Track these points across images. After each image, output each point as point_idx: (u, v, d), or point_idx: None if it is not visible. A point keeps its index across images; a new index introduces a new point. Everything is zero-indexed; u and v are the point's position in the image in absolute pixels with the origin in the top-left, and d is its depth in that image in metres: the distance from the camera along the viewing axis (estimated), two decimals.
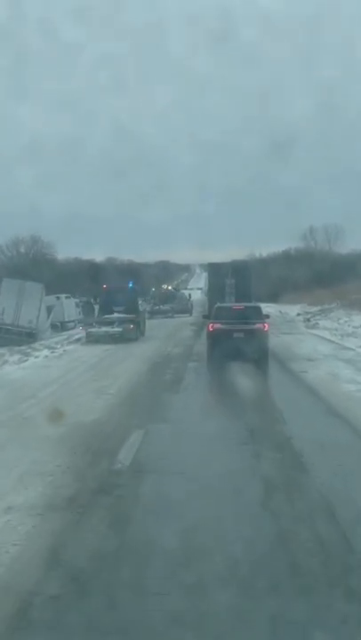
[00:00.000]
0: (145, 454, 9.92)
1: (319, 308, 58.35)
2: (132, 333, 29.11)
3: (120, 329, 28.94)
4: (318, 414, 13.14)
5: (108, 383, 17.23)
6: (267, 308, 33.48)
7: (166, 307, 51.47)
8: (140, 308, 33.13)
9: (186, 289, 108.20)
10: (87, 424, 11.96)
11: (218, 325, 20.97)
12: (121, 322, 29.18)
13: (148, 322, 43.19)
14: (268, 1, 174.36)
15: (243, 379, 18.22)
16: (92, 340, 29.26)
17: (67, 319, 44.32)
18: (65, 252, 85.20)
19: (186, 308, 52.76)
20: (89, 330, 29.77)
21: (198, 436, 11.21)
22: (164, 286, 60.16)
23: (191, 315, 52.87)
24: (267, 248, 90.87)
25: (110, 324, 29.30)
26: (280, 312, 56.95)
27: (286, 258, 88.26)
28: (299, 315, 54.14)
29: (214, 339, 20.75)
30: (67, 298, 46.43)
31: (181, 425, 12.37)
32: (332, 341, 28.43)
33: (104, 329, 29.23)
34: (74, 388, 16.87)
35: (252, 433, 11.30)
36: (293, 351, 24.53)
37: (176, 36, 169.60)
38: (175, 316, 51.56)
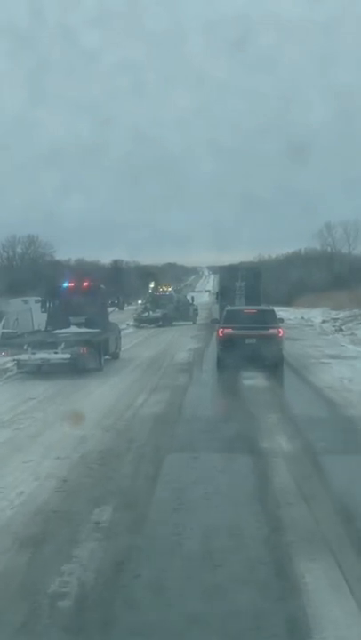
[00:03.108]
0: None
1: (348, 313, 46.76)
2: (88, 361, 16.93)
3: (68, 355, 16.77)
4: None
5: None
6: (281, 312, 26.96)
7: (157, 313, 39.14)
8: (110, 319, 20.90)
9: (193, 291, 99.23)
10: None
11: (228, 330, 18.02)
12: (70, 343, 16.94)
13: (135, 334, 31.30)
14: (285, 7, 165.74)
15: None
16: (26, 371, 17.26)
17: (38, 328, 32.09)
18: (71, 253, 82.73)
19: (187, 314, 40.42)
20: (18, 357, 17.44)
21: None
22: (164, 287, 47.56)
23: (195, 322, 40.56)
24: (277, 250, 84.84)
25: (52, 346, 17.09)
26: (302, 318, 45.11)
27: (299, 259, 79.29)
28: (324, 322, 42.15)
29: (224, 345, 17.82)
30: (38, 302, 34.21)
31: None
32: None
33: (41, 355, 17.04)
34: None
35: None
36: None
37: (195, 41, 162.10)
38: (175, 324, 39.34)
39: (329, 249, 76.67)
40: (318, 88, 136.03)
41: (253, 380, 15.43)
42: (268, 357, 17.01)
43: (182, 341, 27.19)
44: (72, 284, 20.17)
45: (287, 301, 63.13)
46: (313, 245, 77.79)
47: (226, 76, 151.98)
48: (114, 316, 41.90)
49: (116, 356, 20.61)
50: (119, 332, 21.49)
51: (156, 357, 21.03)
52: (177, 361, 19.93)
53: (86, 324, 19.32)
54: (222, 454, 8.66)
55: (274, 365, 17.05)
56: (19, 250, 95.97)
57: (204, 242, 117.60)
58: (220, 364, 17.54)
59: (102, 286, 20.73)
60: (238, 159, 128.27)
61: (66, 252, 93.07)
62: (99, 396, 13.55)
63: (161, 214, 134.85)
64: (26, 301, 33.21)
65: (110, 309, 21.04)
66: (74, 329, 19.20)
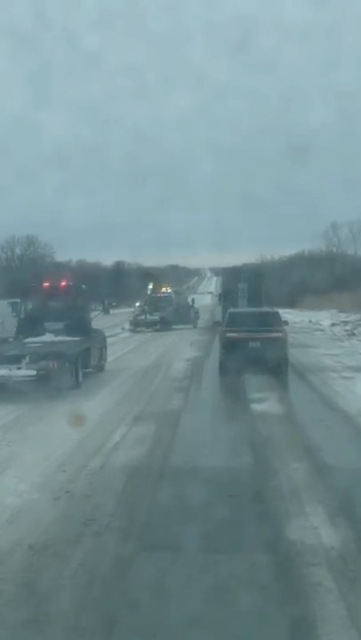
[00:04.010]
0: None
1: (358, 316, 43.66)
2: (60, 378, 13.46)
3: (33, 371, 13.31)
4: None
5: None
6: (286, 314, 24.77)
7: (154, 316, 35.64)
8: (94, 326, 17.34)
9: (196, 293, 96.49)
10: None
11: (231, 333, 16.67)
12: (37, 356, 13.45)
13: (129, 339, 28.06)
14: (286, 8, 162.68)
15: None
16: None
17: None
18: (72, 254, 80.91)
19: (187, 318, 36.93)
20: None
21: None
22: (165, 288, 43.95)
23: (195, 326, 37.10)
24: (280, 251, 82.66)
25: (15, 360, 13.59)
26: (310, 321, 41.66)
27: (303, 260, 76.46)
28: (334, 325, 38.76)
29: (227, 348, 16.50)
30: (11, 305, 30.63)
31: None
32: None
33: (0, 371, 13.53)
34: None
35: None
36: None
37: (196, 42, 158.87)
38: (174, 327, 35.90)
39: (335, 249, 73.33)
40: (319, 88, 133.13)
41: (265, 405, 11.99)
42: (272, 361, 15.84)
43: (180, 348, 23.76)
44: (47, 284, 16.70)
45: (290, 303, 60.33)
46: (318, 246, 74.57)
47: (227, 77, 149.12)
48: (109, 318, 38.35)
49: (100, 368, 17.19)
50: (104, 340, 18.04)
51: (148, 369, 17.58)
52: (172, 374, 16.50)
53: (64, 332, 15.92)
54: (227, 556, 5.22)
55: (278, 368, 15.92)
56: (17, 251, 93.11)
57: (206, 243, 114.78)
58: (223, 368, 16.31)
59: (84, 286, 17.26)
60: (241, 160, 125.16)
61: (67, 254, 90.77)
62: (62, 430, 10.09)
63: (163, 215, 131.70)
64: (12, 303, 29.81)
65: (95, 313, 17.56)
66: (49, 337, 15.80)
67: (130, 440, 9.28)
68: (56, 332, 15.97)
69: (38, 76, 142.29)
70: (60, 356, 13.74)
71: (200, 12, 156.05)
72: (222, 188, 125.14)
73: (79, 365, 14.63)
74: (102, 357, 17.49)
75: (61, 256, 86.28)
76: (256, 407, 11.76)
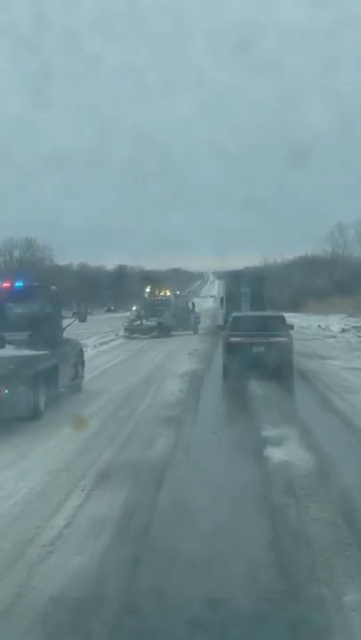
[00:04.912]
0: None
1: None
2: (10, 406, 9.97)
3: None
4: None
5: None
6: (291, 319, 21.49)
7: (151, 322, 32.07)
8: (69, 335, 13.75)
9: (198, 296, 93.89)
10: None
11: (235, 338, 15.89)
12: None
13: (121, 348, 24.95)
14: (287, 11, 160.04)
15: None
16: None
17: None
18: (74, 258, 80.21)
19: (187, 323, 33.37)
20: None
21: None
22: (164, 292, 40.30)
23: (196, 332, 33.56)
24: (284, 253, 79.15)
25: None
26: (319, 327, 38.20)
27: (307, 263, 73.63)
28: (344, 331, 35.23)
29: (231, 353, 15.75)
30: None
31: None
32: None
33: None
34: None
35: None
36: None
37: (196, 44, 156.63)
38: (173, 333, 32.38)
39: (341, 251, 69.87)
40: (321, 90, 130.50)
41: (286, 449, 8.40)
42: (277, 366, 15.13)
43: (177, 360, 20.21)
44: (7, 285, 13.13)
45: (294, 306, 57.29)
46: (323, 247, 71.20)
47: (228, 78, 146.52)
48: (104, 323, 34.85)
49: (75, 389, 13.66)
50: (80, 354, 14.48)
51: (135, 389, 14.01)
52: (162, 397, 12.91)
53: (28, 344, 12.39)
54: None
55: (282, 373, 15.16)
56: (16, 254, 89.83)
57: (209, 247, 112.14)
58: (226, 374, 15.53)
59: (54, 288, 13.69)
60: (243, 162, 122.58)
61: (67, 257, 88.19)
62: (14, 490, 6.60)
63: (165, 218, 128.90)
64: None
65: (68, 321, 13.97)
66: (9, 350, 12.27)
67: (77, 531, 5.68)
68: (18, 345, 12.43)
69: (38, 78, 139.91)
70: (12, 377, 10.22)
71: (201, 13, 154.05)
72: (225, 190, 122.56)
73: (40, 389, 11.09)
74: (78, 375, 13.94)
75: (62, 259, 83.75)
76: (275, 454, 8.18)
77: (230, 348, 15.83)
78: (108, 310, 76.41)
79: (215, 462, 8.12)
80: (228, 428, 10.26)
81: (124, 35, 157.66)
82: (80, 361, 14.28)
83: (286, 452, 8.26)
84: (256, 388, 14.07)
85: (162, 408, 11.63)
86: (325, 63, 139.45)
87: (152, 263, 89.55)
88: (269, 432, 9.53)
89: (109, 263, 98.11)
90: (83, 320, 14.54)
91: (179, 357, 21.03)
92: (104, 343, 28.63)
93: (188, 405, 12.02)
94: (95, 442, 9.10)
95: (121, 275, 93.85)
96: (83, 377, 14.29)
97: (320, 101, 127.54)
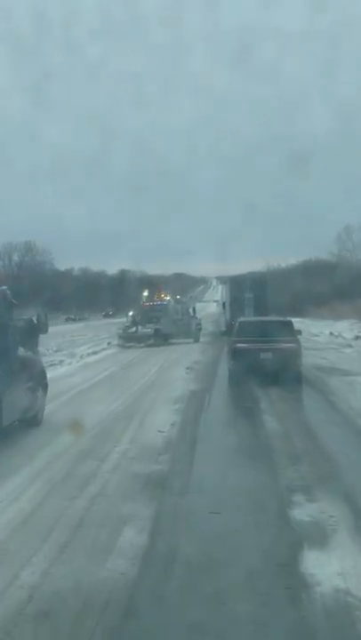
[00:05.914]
0: None
1: None
2: None
3: None
4: None
5: None
6: (298, 324, 20.74)
7: (147, 329, 28.48)
8: (26, 352, 10.14)
9: (201, 301, 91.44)
10: None
11: (241, 344, 15.36)
12: None
13: (110, 360, 21.66)
14: (287, 19, 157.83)
15: None
16: None
17: None
18: (75, 263, 78.36)
19: (187, 330, 29.76)
20: None
21: None
22: (164, 296, 36.64)
23: (197, 340, 29.94)
24: (288, 258, 77.30)
25: None
26: (331, 334, 34.68)
27: (310, 267, 70.79)
28: (358, 337, 31.77)
29: (236, 359, 15.27)
30: None
31: None
32: None
33: None
34: None
35: None
36: None
37: (197, 52, 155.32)
38: (172, 341, 28.82)
39: (349, 254, 66.48)
40: (320, 96, 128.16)
41: (341, 566, 4.82)
42: (284, 373, 14.52)
43: (171, 377, 16.57)
44: None
45: (298, 311, 54.12)
46: (331, 250, 68.01)
47: (228, 87, 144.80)
48: (101, 330, 31.85)
49: (33, 422, 10.05)
50: (42, 376, 10.81)
51: (111, 422, 10.37)
52: (145, 438, 9.23)
53: None
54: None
55: (291, 381, 14.36)
56: (15, 258, 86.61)
57: (212, 252, 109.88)
58: (232, 381, 15.09)
59: (4, 288, 10.04)
60: (246, 168, 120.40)
61: (69, 262, 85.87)
62: None
63: (167, 223, 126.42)
64: None
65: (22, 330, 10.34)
66: None
67: None
68: None
69: (39, 85, 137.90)
70: None
71: (201, 22, 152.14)
72: (227, 195, 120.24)
73: None
74: (36, 404, 10.29)
75: (63, 264, 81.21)
76: (323, 576, 4.55)
77: (236, 354, 15.28)
78: (107, 315, 73.21)
79: (214, 558, 4.47)
80: (238, 500, 6.59)
81: (125, 41, 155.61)
82: (41, 385, 10.63)
83: (341, 568, 4.63)
84: (271, 422, 10.46)
85: (142, 458, 7.99)
86: (325, 68, 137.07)
87: (155, 268, 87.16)
88: (301, 510, 5.91)
89: (112, 268, 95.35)
90: (44, 332, 10.90)
91: (175, 373, 17.45)
92: (94, 353, 25.11)
93: (180, 453, 8.38)
94: (25, 531, 5.48)
95: (122, 279, 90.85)
96: (44, 407, 10.66)
97: (320, 105, 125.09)
